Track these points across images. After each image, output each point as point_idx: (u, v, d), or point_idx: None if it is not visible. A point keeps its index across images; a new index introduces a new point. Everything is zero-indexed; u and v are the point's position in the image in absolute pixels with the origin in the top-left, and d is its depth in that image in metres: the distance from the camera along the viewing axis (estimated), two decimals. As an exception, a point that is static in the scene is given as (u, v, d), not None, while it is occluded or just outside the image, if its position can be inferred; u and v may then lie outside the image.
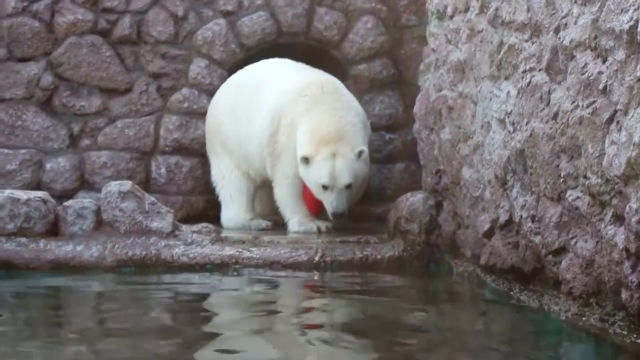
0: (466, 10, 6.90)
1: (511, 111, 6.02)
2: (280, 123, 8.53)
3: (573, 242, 5.21)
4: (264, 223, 8.86)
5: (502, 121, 6.19)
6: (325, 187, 8.24)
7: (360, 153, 8.29)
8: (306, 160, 8.26)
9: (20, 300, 6.36)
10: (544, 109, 5.53)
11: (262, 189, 9.08)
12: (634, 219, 4.41)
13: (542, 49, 5.55)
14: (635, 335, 4.52)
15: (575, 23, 5.06)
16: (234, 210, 8.98)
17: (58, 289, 6.84)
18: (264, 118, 8.63)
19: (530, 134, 5.67)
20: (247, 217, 8.93)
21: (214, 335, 5.23)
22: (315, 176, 8.26)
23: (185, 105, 9.59)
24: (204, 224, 7.72)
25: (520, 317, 5.57)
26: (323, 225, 8.45)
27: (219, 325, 5.53)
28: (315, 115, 8.39)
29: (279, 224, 8.88)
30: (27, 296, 6.54)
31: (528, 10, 5.73)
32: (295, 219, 8.57)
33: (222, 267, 7.34)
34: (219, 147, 9.07)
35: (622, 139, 4.52)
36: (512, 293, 6.04)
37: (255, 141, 8.73)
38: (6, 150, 9.50)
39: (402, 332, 5.32)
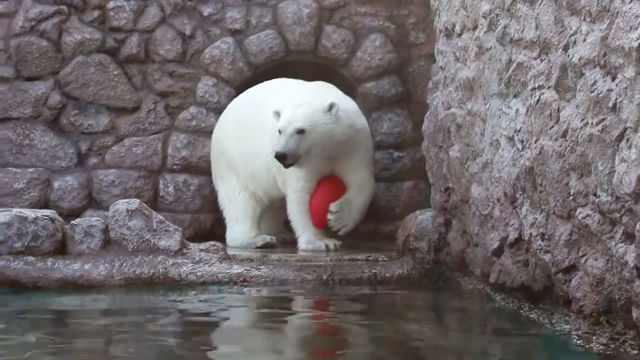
0: (474, 28, 6.89)
1: (520, 129, 6.00)
2: None
3: (583, 260, 5.18)
4: (268, 237, 8.87)
5: (511, 139, 6.17)
6: (280, 132, 8.23)
7: (331, 106, 8.26)
8: (277, 114, 8.30)
9: (27, 319, 6.32)
10: (553, 126, 5.51)
11: (268, 211, 9.08)
12: (644, 237, 4.39)
13: (551, 67, 5.54)
14: (646, 355, 4.50)
15: (584, 40, 5.04)
16: (239, 230, 8.99)
17: (65, 309, 6.81)
18: (267, 138, 8.65)
19: (540, 152, 5.65)
20: (251, 234, 8.93)
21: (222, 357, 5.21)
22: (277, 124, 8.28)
23: (193, 123, 9.59)
24: (212, 242, 7.68)
25: (530, 338, 5.53)
26: (332, 243, 8.45)
27: (226, 348, 5.49)
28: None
29: (285, 242, 8.89)
30: (34, 316, 6.50)
31: (536, 27, 5.72)
32: (305, 237, 8.58)
33: (229, 285, 7.31)
34: (226, 170, 9.08)
35: (632, 156, 4.51)
36: (521, 312, 6.01)
37: (261, 159, 8.74)
38: (14, 169, 9.52)
39: (413, 357, 5.28)
